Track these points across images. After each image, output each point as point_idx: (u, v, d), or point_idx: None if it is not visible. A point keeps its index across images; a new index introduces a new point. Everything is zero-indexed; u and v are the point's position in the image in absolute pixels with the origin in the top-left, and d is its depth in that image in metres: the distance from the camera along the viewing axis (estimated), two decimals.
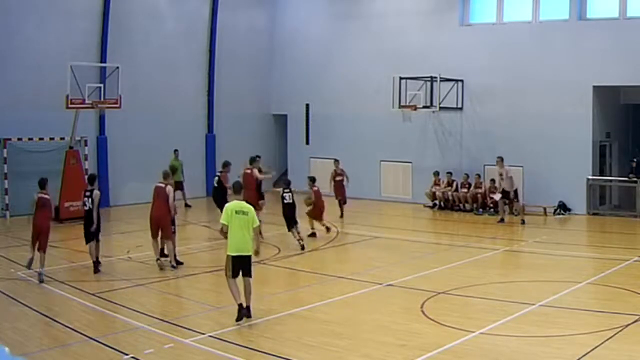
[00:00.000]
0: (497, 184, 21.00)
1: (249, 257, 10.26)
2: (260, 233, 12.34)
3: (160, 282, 13.01)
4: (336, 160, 21.69)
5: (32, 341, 9.26)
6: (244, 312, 10.11)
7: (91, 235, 13.71)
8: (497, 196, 21.11)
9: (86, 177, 17.62)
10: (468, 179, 22.58)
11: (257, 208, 14.29)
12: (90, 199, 13.57)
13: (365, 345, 9.15)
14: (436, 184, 23.22)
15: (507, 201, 20.25)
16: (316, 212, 17.74)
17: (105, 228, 19.76)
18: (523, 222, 19.86)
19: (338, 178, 21.27)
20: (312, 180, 18.10)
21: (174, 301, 11.87)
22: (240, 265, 10.16)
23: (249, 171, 16.92)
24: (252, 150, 27.21)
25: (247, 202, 10.59)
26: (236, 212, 10.14)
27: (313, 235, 17.65)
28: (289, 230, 16.49)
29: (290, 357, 8.66)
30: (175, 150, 23.16)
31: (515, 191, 20.19)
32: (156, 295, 12.21)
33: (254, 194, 16.32)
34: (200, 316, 10.64)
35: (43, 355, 8.71)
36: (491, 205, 21.68)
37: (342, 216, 21.00)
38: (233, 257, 10.13)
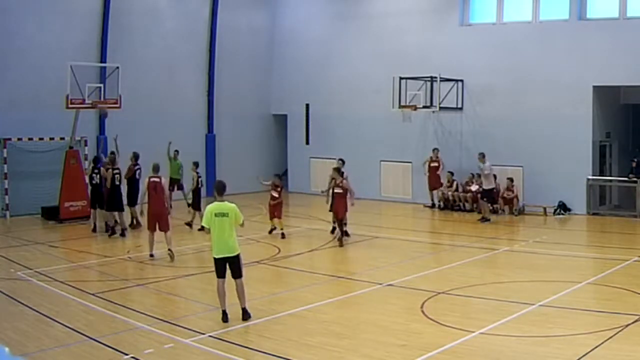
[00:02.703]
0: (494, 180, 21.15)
1: (235, 258, 10.17)
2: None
3: (161, 282, 13.01)
4: (335, 169, 17.12)
5: (32, 341, 9.24)
6: (243, 316, 10.18)
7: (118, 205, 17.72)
8: (474, 187, 21.65)
9: (91, 159, 19.87)
10: (473, 179, 22.54)
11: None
12: (98, 175, 18.16)
13: (365, 345, 9.15)
14: (433, 160, 23.19)
15: (492, 200, 20.61)
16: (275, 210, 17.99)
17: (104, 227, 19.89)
18: (482, 220, 20.09)
19: (337, 190, 16.64)
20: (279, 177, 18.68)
21: (174, 301, 11.85)
22: (226, 267, 10.13)
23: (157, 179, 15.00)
24: (252, 150, 27.54)
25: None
26: (216, 214, 10.04)
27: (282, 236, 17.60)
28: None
29: (290, 357, 8.66)
30: (176, 151, 22.14)
31: (483, 191, 20.49)
32: (156, 295, 12.20)
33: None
34: (200, 316, 10.63)
35: (43, 355, 8.71)
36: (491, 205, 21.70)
37: (340, 244, 16.50)
38: (216, 259, 10.12)
